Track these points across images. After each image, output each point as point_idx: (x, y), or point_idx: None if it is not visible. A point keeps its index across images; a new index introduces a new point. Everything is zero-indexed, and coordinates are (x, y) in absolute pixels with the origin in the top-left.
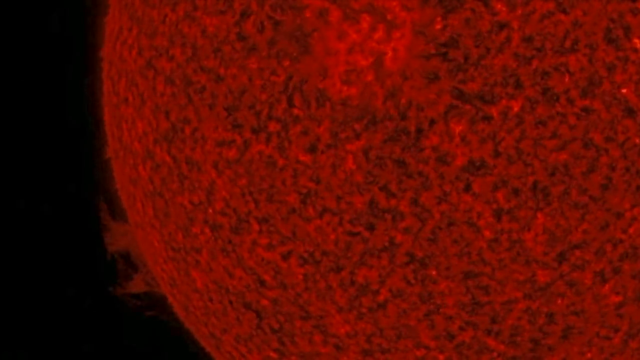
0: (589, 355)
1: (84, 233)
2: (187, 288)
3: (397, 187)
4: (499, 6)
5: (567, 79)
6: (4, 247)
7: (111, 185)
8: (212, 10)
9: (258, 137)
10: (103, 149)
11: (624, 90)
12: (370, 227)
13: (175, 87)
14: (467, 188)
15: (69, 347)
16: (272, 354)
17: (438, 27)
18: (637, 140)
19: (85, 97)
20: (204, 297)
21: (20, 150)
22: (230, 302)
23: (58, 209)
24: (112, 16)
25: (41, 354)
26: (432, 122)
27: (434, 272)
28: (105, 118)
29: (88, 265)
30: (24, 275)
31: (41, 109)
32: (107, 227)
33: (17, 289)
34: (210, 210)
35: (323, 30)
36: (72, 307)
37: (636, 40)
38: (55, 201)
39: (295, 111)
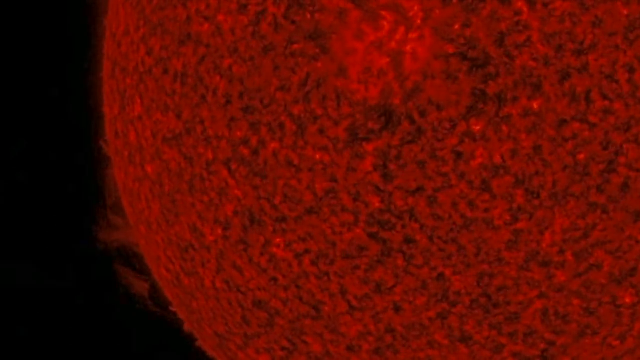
0: (600, 356)
1: (83, 229)
2: (192, 287)
3: (414, 187)
4: (520, 6)
5: (587, 80)
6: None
7: (111, 183)
8: (227, 9)
9: (274, 136)
10: (103, 146)
11: None
12: (387, 227)
13: (187, 86)
14: (486, 188)
15: (68, 346)
16: (280, 354)
17: (458, 27)
18: None
19: (85, 96)
20: (211, 296)
21: (20, 150)
22: (239, 301)
23: (57, 207)
24: (114, 15)
25: (41, 352)
26: (452, 121)
27: (450, 272)
28: (107, 117)
29: (88, 262)
30: (23, 273)
31: (41, 108)
32: (107, 223)
33: (17, 286)
34: (222, 210)
35: (341, 29)
36: (71, 303)
37: None
38: (54, 199)
39: (312, 110)
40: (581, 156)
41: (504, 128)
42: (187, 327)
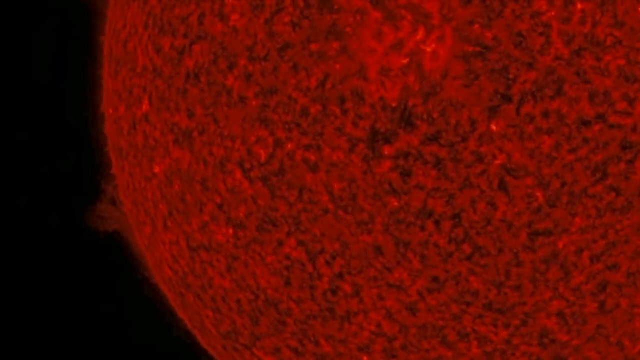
0: (612, 357)
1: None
2: (199, 287)
3: (433, 187)
4: (540, 6)
5: (607, 80)
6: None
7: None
8: (242, 7)
9: (290, 136)
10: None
11: None
12: (404, 227)
13: (200, 85)
14: (505, 188)
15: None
16: (289, 354)
17: (479, 27)
18: None
19: (84, 96)
20: (219, 296)
21: (20, 151)
22: (249, 301)
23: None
24: (117, 15)
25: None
26: (472, 122)
27: (466, 272)
28: (109, 117)
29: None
30: (24, 273)
31: (41, 108)
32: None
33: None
34: (235, 210)
35: (360, 29)
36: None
37: None
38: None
39: (330, 111)
40: (600, 157)
41: (524, 128)
42: (189, 327)
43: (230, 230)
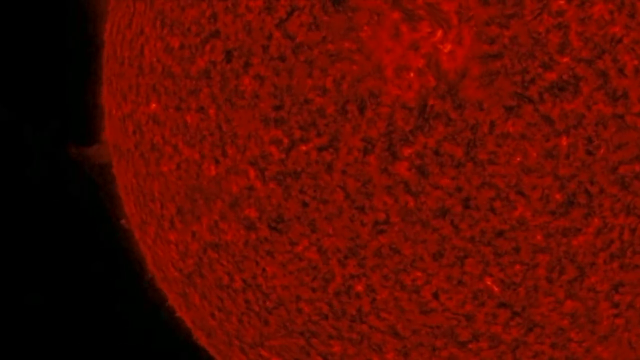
0: (623, 357)
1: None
2: (205, 286)
3: (450, 187)
4: (559, 7)
5: (624, 81)
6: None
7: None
8: (257, 6)
9: (305, 136)
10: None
11: None
12: (420, 228)
13: (213, 85)
14: (522, 188)
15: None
16: (297, 354)
17: (497, 27)
18: None
19: (84, 95)
20: (225, 296)
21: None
22: (258, 301)
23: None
24: (120, 15)
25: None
26: (490, 122)
27: (481, 272)
28: (112, 117)
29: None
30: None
31: (42, 107)
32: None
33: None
34: (247, 210)
35: (378, 29)
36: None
37: None
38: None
39: (347, 111)
40: (617, 157)
41: (542, 129)
42: (190, 326)
43: (242, 230)
